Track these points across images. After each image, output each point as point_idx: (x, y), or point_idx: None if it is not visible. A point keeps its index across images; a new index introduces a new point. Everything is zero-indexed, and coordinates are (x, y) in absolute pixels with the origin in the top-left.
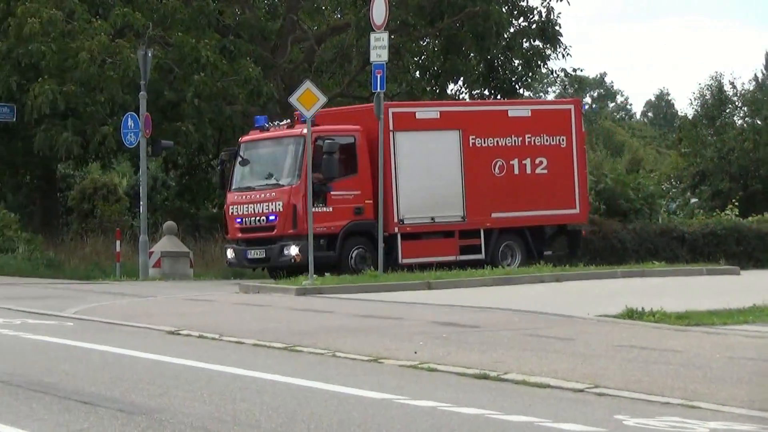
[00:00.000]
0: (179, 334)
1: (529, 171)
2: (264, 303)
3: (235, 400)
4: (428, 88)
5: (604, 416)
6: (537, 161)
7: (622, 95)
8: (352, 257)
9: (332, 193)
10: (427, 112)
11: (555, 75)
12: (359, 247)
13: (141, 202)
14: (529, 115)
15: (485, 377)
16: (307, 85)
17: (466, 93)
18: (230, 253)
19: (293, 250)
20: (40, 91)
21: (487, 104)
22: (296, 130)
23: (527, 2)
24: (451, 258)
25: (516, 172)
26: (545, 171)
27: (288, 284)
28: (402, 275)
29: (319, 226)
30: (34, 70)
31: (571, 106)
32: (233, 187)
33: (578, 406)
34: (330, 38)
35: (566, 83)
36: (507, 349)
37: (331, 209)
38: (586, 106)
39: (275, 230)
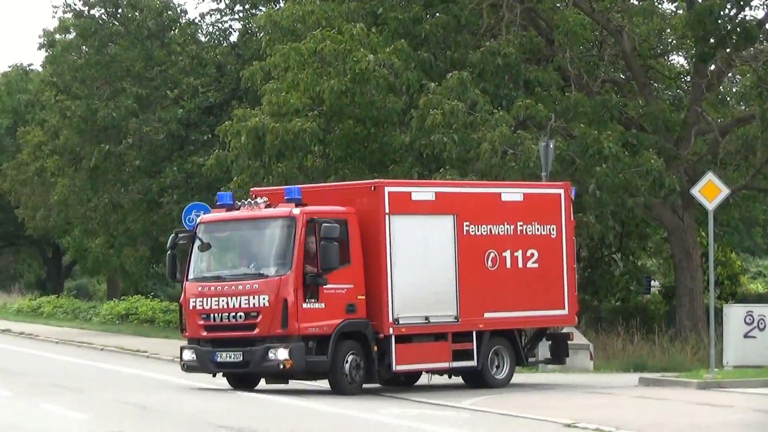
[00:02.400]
0: (576, 426)
1: (520, 264)
2: (663, 396)
3: None
4: None
5: None
6: (528, 253)
7: None
8: (347, 364)
9: (325, 286)
10: (422, 192)
11: None
12: (352, 352)
13: None
14: (522, 199)
15: None
16: (709, 177)
17: None
18: (189, 355)
19: (282, 354)
20: None
21: (482, 185)
22: (283, 210)
23: None
24: (445, 365)
25: (508, 265)
26: (536, 265)
27: (689, 377)
28: None
29: (311, 325)
30: (435, 160)
31: (561, 191)
32: (192, 277)
33: None
34: (734, 130)
35: None
36: None
37: (323, 305)
38: None
39: (257, 329)
